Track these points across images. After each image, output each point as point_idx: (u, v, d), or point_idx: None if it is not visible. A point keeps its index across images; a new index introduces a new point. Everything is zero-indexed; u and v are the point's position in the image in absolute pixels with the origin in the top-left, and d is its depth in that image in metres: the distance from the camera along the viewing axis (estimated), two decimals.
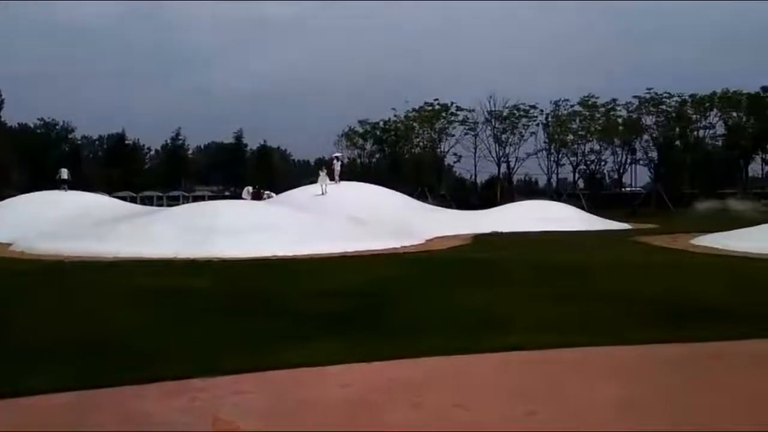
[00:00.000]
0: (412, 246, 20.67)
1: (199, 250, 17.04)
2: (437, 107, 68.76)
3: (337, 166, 35.82)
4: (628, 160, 68.19)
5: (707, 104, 64.43)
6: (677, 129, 65.40)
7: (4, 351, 6.88)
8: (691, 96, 64.13)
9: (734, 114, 65.26)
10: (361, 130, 74.58)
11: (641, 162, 67.95)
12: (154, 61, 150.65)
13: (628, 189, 72.48)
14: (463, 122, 68.68)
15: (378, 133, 73.78)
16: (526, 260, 16.05)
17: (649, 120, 65.51)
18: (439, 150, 70.72)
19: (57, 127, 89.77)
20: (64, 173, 35.21)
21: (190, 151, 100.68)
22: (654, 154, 66.13)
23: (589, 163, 69.42)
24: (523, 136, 67.51)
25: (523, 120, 67.30)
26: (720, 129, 66.50)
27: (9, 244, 20.42)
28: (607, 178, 73.97)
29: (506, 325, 7.94)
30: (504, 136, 67.70)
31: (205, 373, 5.85)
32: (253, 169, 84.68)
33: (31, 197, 31.40)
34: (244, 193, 35.70)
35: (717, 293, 10.68)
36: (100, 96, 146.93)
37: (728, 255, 17.36)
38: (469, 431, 4.71)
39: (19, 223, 23.97)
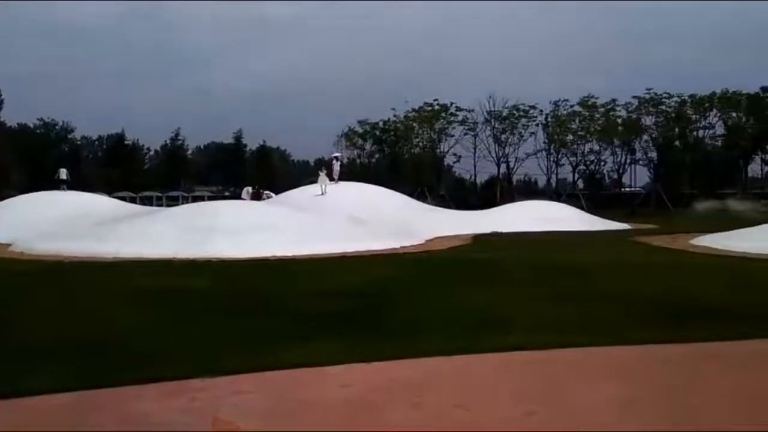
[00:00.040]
0: (411, 246, 20.66)
1: (199, 251, 17.03)
2: (437, 107, 68.72)
3: (337, 166, 35.80)
4: (628, 161, 68.20)
5: (707, 104, 64.39)
6: (677, 129, 65.38)
7: (4, 351, 6.88)
8: (690, 96, 64.11)
9: (734, 114, 65.22)
10: (360, 131, 74.55)
11: (641, 162, 67.99)
12: (154, 61, 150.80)
13: (627, 189, 72.40)
14: (462, 122, 68.66)
15: (377, 133, 73.73)
16: (526, 260, 16.06)
17: (648, 120, 65.52)
18: (438, 150, 70.69)
19: (56, 127, 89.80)
20: (63, 173, 35.23)
21: (189, 152, 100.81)
22: (653, 155, 66.12)
23: (588, 163, 69.42)
24: (522, 136, 67.53)
25: (523, 120, 67.25)
26: (719, 129, 66.56)
27: (8, 245, 20.39)
28: (606, 178, 73.99)
29: (506, 325, 7.94)
30: (503, 137, 67.67)
31: (205, 374, 5.84)
32: (252, 169, 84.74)
33: (31, 197, 31.34)
34: (244, 194, 35.71)
35: (717, 293, 10.69)
36: (100, 96, 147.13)
37: (728, 255, 17.36)
38: (469, 431, 4.71)
39: (19, 224, 23.95)
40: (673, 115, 64.54)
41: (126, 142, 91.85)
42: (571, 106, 66.91)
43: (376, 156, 75.74)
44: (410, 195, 42.01)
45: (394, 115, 71.70)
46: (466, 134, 68.81)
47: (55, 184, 34.96)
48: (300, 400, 5.32)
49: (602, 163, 70.04)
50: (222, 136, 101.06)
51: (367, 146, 75.26)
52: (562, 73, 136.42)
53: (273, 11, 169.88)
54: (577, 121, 67.08)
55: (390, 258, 17.05)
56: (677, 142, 66.06)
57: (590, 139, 67.14)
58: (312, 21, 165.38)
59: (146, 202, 63.93)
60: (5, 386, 5.49)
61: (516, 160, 68.47)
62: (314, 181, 34.48)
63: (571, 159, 68.51)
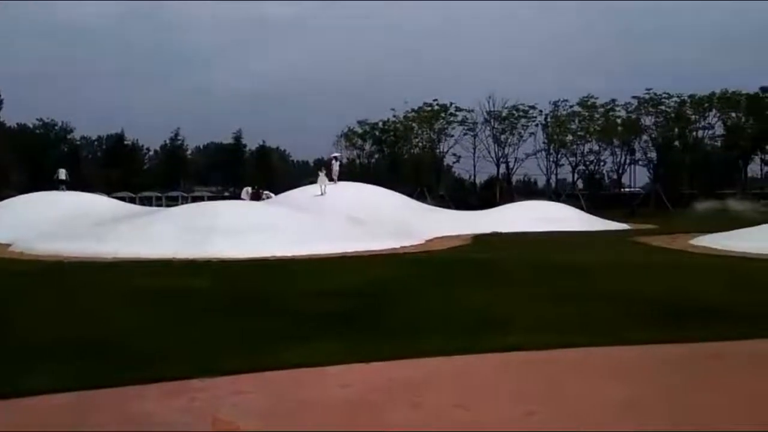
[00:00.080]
0: (411, 246, 20.67)
1: (199, 251, 17.05)
2: (436, 108, 68.69)
3: (336, 166, 35.78)
4: (627, 161, 68.15)
5: (706, 105, 64.38)
6: (676, 129, 65.38)
7: (4, 351, 6.88)
8: (690, 96, 64.10)
9: (733, 114, 65.20)
10: (360, 131, 74.54)
11: (640, 162, 67.96)
12: (154, 61, 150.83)
13: (627, 189, 72.39)
14: (462, 123, 68.65)
15: (377, 133, 73.70)
16: (525, 260, 16.06)
17: (648, 120, 65.49)
18: (438, 150, 70.65)
19: (56, 127, 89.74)
20: (63, 173, 35.21)
21: (189, 152, 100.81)
22: (653, 155, 66.08)
23: (588, 163, 69.37)
24: (522, 136, 67.49)
25: (522, 120, 67.21)
26: (719, 129, 66.52)
27: (8, 245, 20.41)
28: (606, 178, 73.95)
29: (506, 325, 7.94)
30: (503, 137, 67.63)
31: (205, 374, 5.84)
32: (252, 169, 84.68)
33: (30, 198, 31.37)
34: (243, 194, 35.68)
35: (716, 293, 10.69)
36: (100, 96, 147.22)
37: (727, 255, 17.38)
38: (469, 431, 4.71)
39: (18, 224, 23.97)
40: (673, 115, 64.54)
41: (125, 143, 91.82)
42: (571, 107, 66.98)
43: (376, 156, 75.73)
44: (410, 195, 42.01)
45: (394, 116, 71.76)
46: (465, 134, 68.88)
47: (54, 185, 34.93)
48: (300, 400, 5.32)
49: (602, 164, 70.10)
50: (222, 136, 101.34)
51: (367, 146, 75.27)
52: (562, 73, 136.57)
53: (273, 11, 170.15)
54: (576, 121, 67.05)
55: (389, 258, 17.06)
56: (677, 143, 66.05)
57: (590, 139, 67.12)
58: (312, 21, 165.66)
59: (146, 202, 63.92)
60: (5, 386, 5.49)
61: (515, 160, 68.55)
62: (314, 182, 34.49)
63: (571, 159, 68.54)
